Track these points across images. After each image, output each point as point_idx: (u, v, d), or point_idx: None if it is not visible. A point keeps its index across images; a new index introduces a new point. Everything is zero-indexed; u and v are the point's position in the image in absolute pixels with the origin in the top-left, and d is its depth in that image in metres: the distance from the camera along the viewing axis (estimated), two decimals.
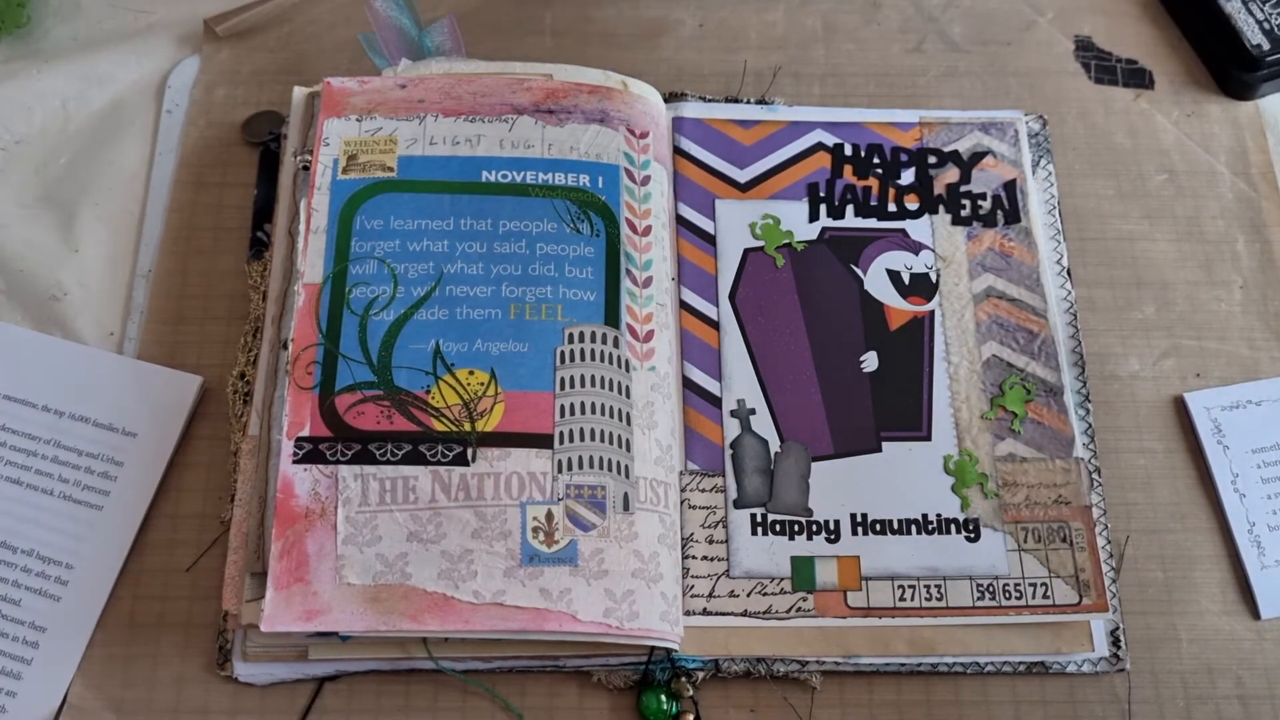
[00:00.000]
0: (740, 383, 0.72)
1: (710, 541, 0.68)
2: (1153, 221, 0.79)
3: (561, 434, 0.66)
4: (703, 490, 0.69)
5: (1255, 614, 0.69)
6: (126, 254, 0.77)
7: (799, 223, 0.77)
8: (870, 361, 0.73)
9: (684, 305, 0.74)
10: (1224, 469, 0.72)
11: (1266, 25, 0.75)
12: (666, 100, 0.79)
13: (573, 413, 0.66)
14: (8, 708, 0.64)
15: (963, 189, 0.78)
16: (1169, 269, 0.78)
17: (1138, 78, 0.84)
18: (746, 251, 0.76)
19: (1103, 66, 0.84)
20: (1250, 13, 0.75)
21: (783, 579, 0.67)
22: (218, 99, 0.81)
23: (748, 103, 0.81)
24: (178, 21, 0.85)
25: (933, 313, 0.75)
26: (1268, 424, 0.73)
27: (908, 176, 0.78)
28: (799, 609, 0.67)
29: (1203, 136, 0.82)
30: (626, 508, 0.65)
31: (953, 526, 0.69)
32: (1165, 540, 0.70)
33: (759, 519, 0.69)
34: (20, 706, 0.64)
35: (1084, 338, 0.75)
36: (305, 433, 0.65)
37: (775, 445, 0.71)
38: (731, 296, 0.74)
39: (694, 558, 0.68)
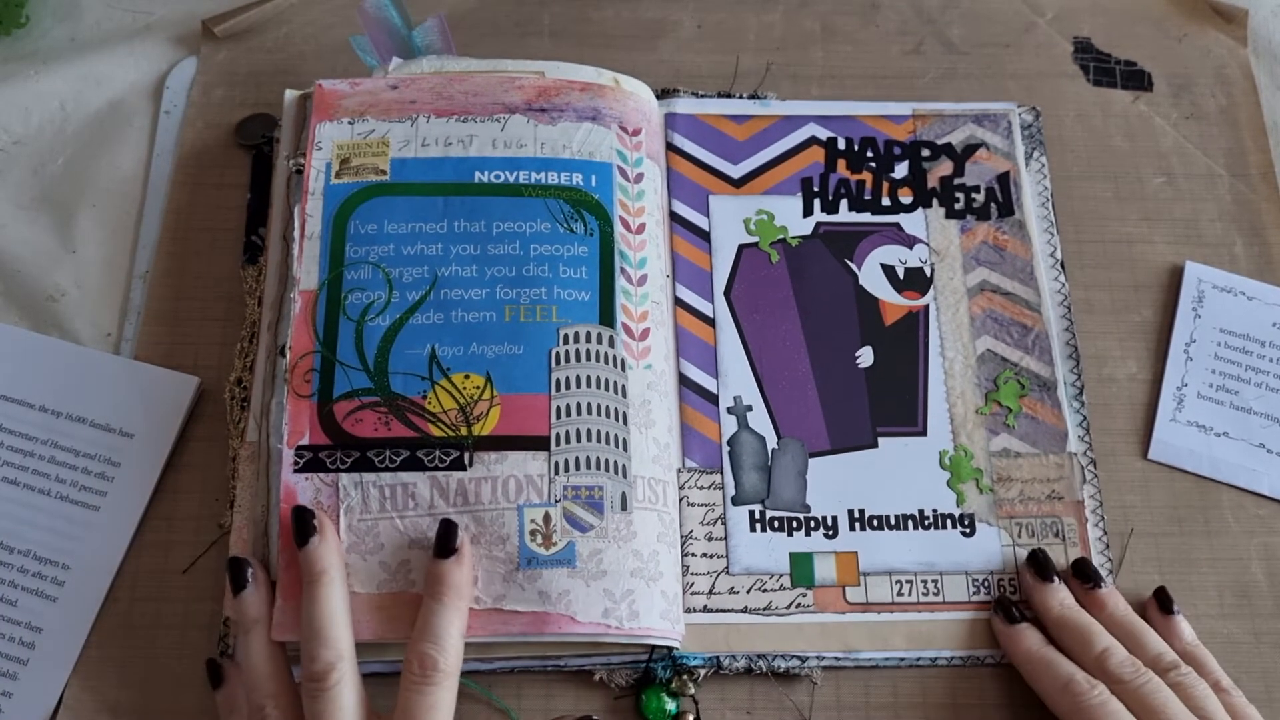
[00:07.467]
0: (737, 379, 0.72)
1: (709, 539, 0.68)
2: (1151, 224, 0.79)
3: (558, 435, 0.66)
4: (701, 488, 0.69)
5: (1252, 617, 0.69)
6: (124, 255, 0.77)
7: (793, 218, 0.77)
8: (866, 357, 0.73)
9: (679, 302, 0.74)
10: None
11: None
12: (659, 96, 0.79)
13: (569, 414, 0.66)
14: (3, 708, 0.64)
15: (956, 182, 0.78)
16: (1167, 272, 0.78)
17: (1136, 80, 0.84)
18: (741, 247, 0.76)
19: (1101, 69, 0.84)
20: None
21: (782, 575, 0.68)
22: (215, 100, 0.81)
23: (740, 97, 0.81)
24: (175, 22, 0.85)
25: (927, 307, 0.75)
26: None
27: (901, 170, 0.78)
28: (798, 605, 0.67)
29: (1201, 139, 0.82)
30: (624, 507, 0.65)
31: (949, 522, 0.69)
32: (1162, 543, 0.70)
33: (757, 516, 0.69)
34: (16, 707, 0.64)
35: (1082, 340, 0.74)
36: (305, 441, 0.65)
37: (772, 442, 0.71)
38: (727, 293, 0.74)
39: (693, 555, 0.68)
